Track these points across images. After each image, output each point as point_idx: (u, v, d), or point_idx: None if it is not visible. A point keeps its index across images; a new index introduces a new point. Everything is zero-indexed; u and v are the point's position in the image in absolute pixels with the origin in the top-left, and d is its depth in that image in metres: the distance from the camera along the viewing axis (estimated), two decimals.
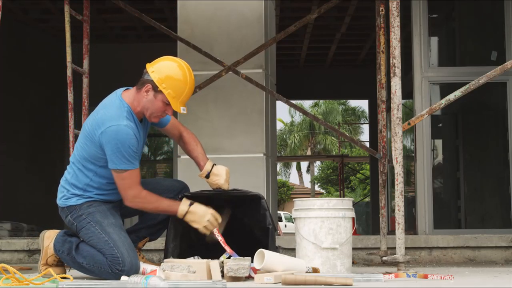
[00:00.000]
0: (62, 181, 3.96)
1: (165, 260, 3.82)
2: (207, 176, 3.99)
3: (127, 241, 3.76)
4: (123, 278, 3.43)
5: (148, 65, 3.83)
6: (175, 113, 3.94)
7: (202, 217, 3.81)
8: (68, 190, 3.89)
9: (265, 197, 4.16)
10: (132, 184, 3.76)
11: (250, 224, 4.16)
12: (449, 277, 3.60)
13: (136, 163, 3.76)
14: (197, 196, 4.01)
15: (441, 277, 3.61)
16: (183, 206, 3.83)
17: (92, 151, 3.79)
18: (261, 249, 3.55)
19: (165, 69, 3.77)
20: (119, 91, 3.90)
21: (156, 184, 4.07)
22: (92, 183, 3.86)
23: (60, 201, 3.93)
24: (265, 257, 3.49)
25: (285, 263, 3.57)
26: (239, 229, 4.15)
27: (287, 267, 3.56)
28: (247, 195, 4.06)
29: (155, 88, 3.75)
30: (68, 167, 3.98)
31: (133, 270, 3.67)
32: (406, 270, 3.97)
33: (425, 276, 3.62)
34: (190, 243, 4.08)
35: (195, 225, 3.83)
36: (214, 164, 4.02)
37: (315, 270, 3.75)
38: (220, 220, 3.87)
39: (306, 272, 3.66)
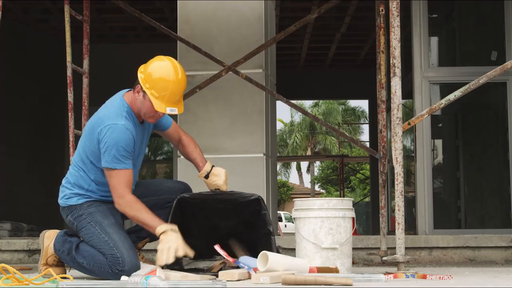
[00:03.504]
0: (63, 181, 3.97)
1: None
2: (206, 177, 3.99)
3: (127, 241, 3.75)
4: (123, 278, 3.43)
5: (141, 66, 3.82)
6: (174, 115, 3.91)
7: (167, 243, 3.58)
8: (70, 190, 3.89)
9: (263, 198, 4.16)
10: (118, 184, 3.68)
11: (250, 226, 4.15)
12: (448, 277, 3.60)
13: (127, 164, 3.69)
14: (196, 199, 4.01)
15: (440, 277, 3.61)
16: (163, 228, 3.60)
17: (91, 150, 3.79)
18: (264, 251, 3.53)
19: (149, 69, 3.74)
20: (123, 91, 3.89)
21: (159, 185, 4.06)
22: (94, 183, 3.86)
23: (61, 201, 3.94)
24: (269, 259, 3.47)
25: (288, 264, 3.57)
26: (239, 230, 4.15)
27: (290, 268, 3.55)
28: (245, 196, 4.06)
29: (142, 88, 3.74)
30: (70, 167, 3.98)
31: (133, 270, 3.67)
32: (406, 270, 3.96)
33: (424, 277, 3.62)
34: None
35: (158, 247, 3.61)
36: (213, 166, 4.02)
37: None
38: (190, 254, 3.63)
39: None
